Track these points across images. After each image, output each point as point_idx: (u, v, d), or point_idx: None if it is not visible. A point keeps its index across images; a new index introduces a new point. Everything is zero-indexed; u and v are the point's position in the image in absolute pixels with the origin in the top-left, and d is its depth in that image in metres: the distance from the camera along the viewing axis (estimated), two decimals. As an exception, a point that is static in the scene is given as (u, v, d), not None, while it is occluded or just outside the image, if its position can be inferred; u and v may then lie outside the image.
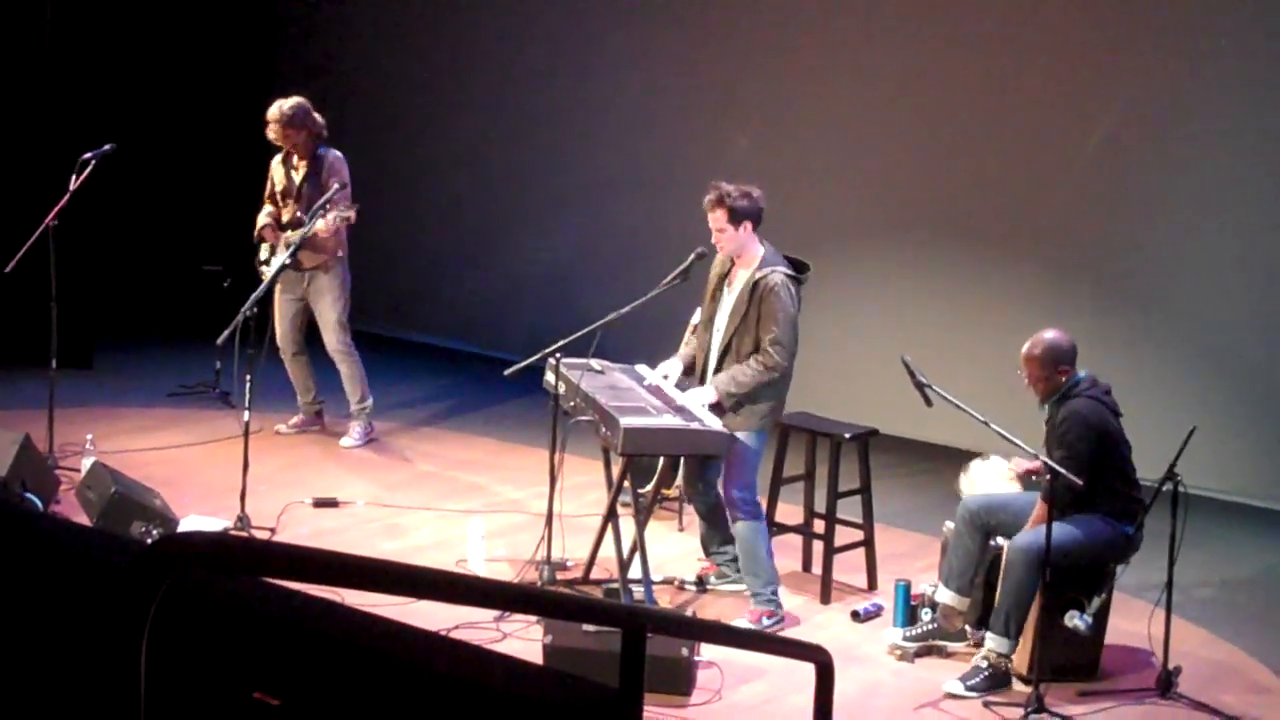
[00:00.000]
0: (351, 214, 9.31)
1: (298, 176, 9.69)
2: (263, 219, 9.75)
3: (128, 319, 12.61)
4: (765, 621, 7.39)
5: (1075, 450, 6.75)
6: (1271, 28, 9.67)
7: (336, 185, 9.29)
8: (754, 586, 7.46)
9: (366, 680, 2.38)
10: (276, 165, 9.79)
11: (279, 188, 9.76)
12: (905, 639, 7.16)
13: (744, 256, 7.41)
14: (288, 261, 9.20)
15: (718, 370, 7.45)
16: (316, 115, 9.64)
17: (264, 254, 9.79)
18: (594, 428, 7.42)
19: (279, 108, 9.58)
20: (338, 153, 9.70)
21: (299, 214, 9.60)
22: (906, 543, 8.73)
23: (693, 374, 7.73)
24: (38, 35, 11.75)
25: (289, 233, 9.63)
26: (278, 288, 9.63)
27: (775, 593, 7.49)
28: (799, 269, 7.45)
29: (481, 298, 13.07)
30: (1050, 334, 7.01)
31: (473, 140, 13.03)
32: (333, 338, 9.81)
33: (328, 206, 9.22)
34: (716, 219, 7.32)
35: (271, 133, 9.58)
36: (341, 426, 10.10)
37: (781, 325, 7.25)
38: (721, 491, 7.52)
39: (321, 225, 9.26)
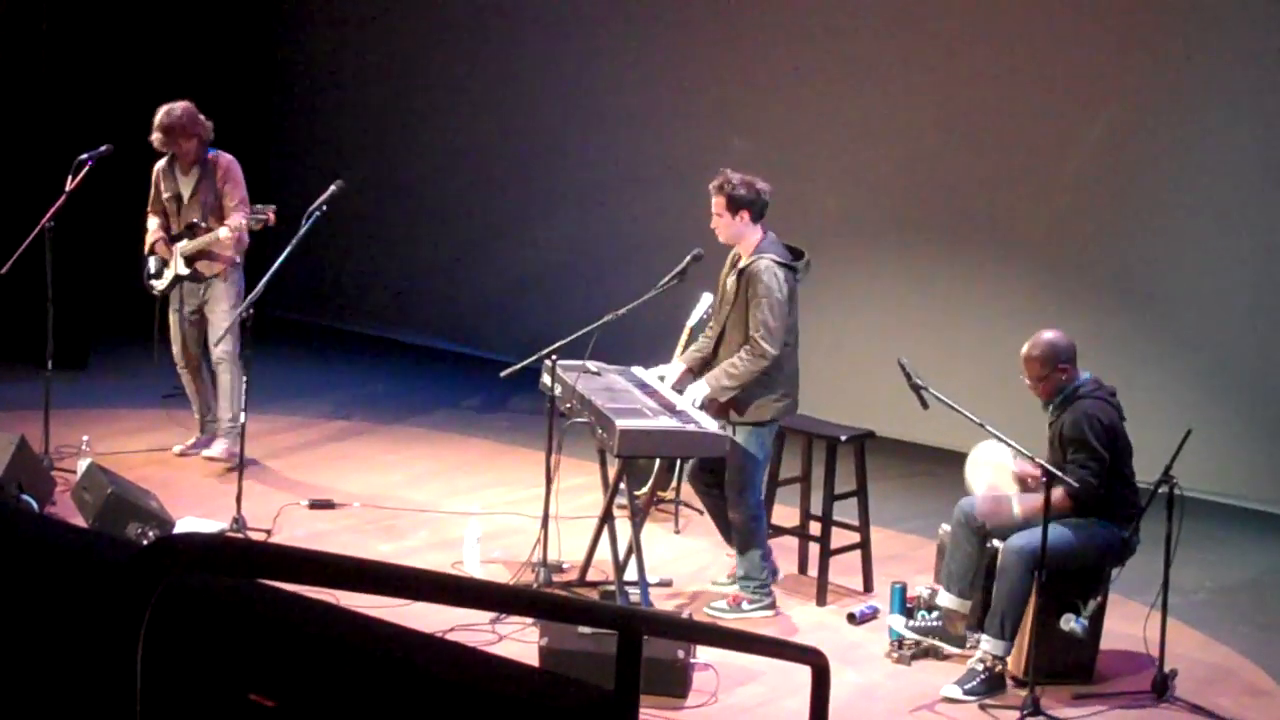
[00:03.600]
0: (269, 215, 9.09)
1: (188, 184, 9.25)
2: (153, 233, 9.31)
3: (123, 320, 12.60)
4: (744, 606, 7.45)
5: (1094, 452, 6.73)
6: (1271, 28, 9.67)
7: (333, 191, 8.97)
8: (738, 575, 7.59)
9: (362, 682, 2.38)
10: (161, 172, 9.32)
11: (165, 195, 9.29)
12: (908, 628, 7.13)
13: (744, 246, 7.47)
14: (185, 272, 9.18)
15: (714, 360, 7.50)
16: (204, 119, 9.20)
17: (153, 266, 9.35)
18: (590, 429, 7.42)
19: (167, 114, 9.12)
20: (230, 156, 9.28)
21: (195, 220, 9.20)
22: (902, 545, 8.73)
23: (697, 374, 7.73)
24: (34, 36, 11.75)
25: (183, 243, 9.22)
26: (173, 302, 9.37)
27: (760, 586, 7.52)
28: (796, 257, 7.48)
29: (478, 299, 13.08)
30: (1048, 334, 7.01)
31: (469, 142, 13.03)
32: (220, 346, 9.27)
33: (239, 213, 9.07)
34: (716, 204, 7.45)
35: (157, 141, 9.12)
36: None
37: (765, 311, 7.29)
38: (726, 486, 7.54)
39: (225, 234, 9.00)
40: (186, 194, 9.28)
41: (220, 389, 9.42)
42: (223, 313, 9.27)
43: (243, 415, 9.36)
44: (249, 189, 9.35)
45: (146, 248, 9.35)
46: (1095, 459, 6.74)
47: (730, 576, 7.86)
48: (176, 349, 9.45)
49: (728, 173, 7.47)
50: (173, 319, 9.43)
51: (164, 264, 9.32)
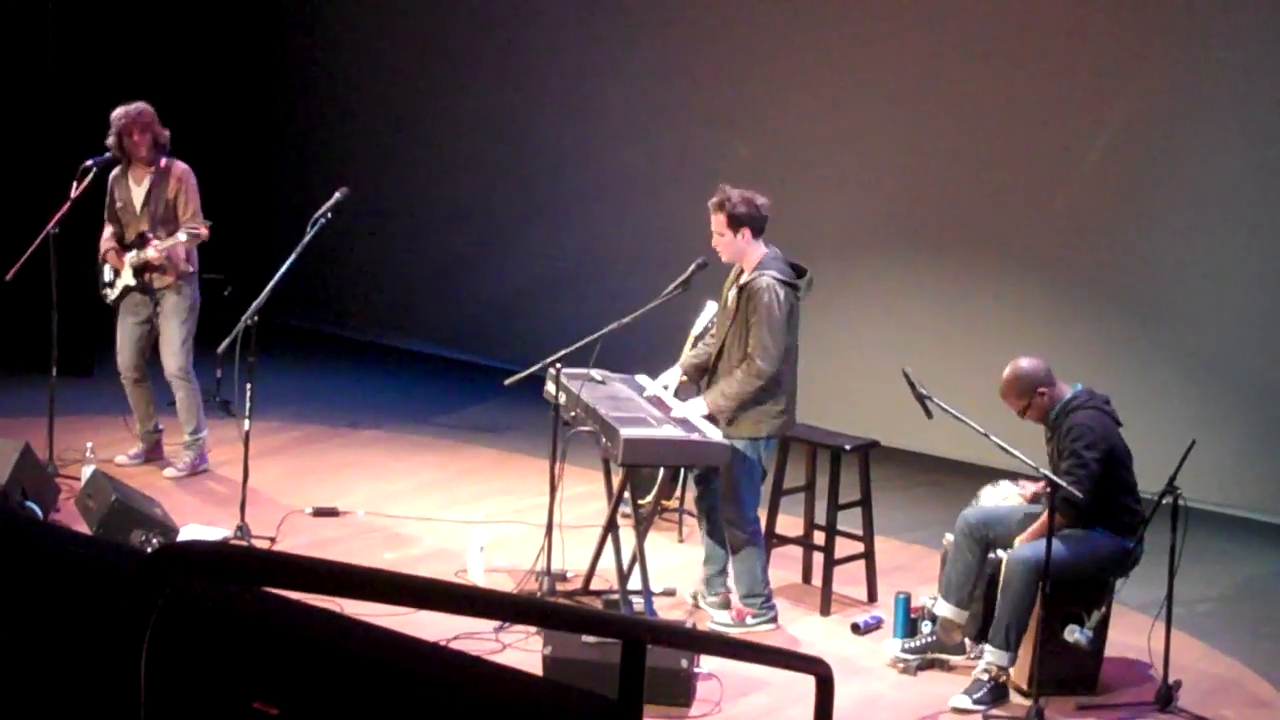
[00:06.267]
0: (203, 230, 8.86)
1: (140, 192, 9.14)
2: (106, 241, 9.20)
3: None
4: (749, 621, 7.45)
5: (1084, 459, 6.73)
6: (1274, 36, 9.66)
7: (339, 196, 8.84)
8: (739, 592, 7.56)
9: (365, 690, 2.38)
10: (114, 180, 9.18)
11: (119, 205, 9.17)
12: (905, 651, 7.15)
13: (746, 261, 7.43)
14: (133, 283, 9.09)
15: (714, 373, 7.48)
16: (159, 125, 9.12)
17: (108, 275, 9.25)
18: (594, 438, 7.42)
19: (125, 111, 9.03)
20: (185, 165, 9.18)
21: (146, 231, 9.08)
22: (907, 555, 8.72)
23: (697, 380, 7.73)
24: (39, 42, 11.76)
25: (132, 253, 9.10)
26: (122, 311, 9.25)
27: (767, 602, 7.52)
28: (798, 274, 7.46)
29: (481, 307, 13.07)
30: (1019, 362, 7.03)
31: (473, 150, 13.03)
32: (174, 361, 9.19)
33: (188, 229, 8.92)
34: (717, 223, 7.38)
35: (117, 138, 9.03)
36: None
37: (764, 329, 7.26)
38: (721, 504, 7.52)
39: (153, 253, 8.91)
40: (138, 203, 9.17)
41: (178, 406, 9.33)
42: (175, 328, 9.19)
43: (205, 430, 9.36)
44: (255, 194, 9.34)
45: (100, 256, 9.24)
46: (1084, 468, 6.74)
47: (697, 594, 7.88)
48: (123, 359, 9.33)
49: (727, 189, 7.40)
50: (120, 329, 9.31)
51: (116, 273, 9.23)
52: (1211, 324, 9.93)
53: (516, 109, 12.76)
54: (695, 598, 7.83)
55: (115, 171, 9.20)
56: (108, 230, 9.28)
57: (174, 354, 9.21)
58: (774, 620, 7.56)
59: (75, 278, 9.42)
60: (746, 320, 7.31)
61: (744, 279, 7.36)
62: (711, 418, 7.37)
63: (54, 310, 8.95)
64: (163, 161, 9.17)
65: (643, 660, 2.78)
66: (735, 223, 7.32)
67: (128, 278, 9.16)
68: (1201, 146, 9.92)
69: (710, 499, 7.66)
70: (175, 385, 9.30)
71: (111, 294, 9.28)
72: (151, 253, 8.98)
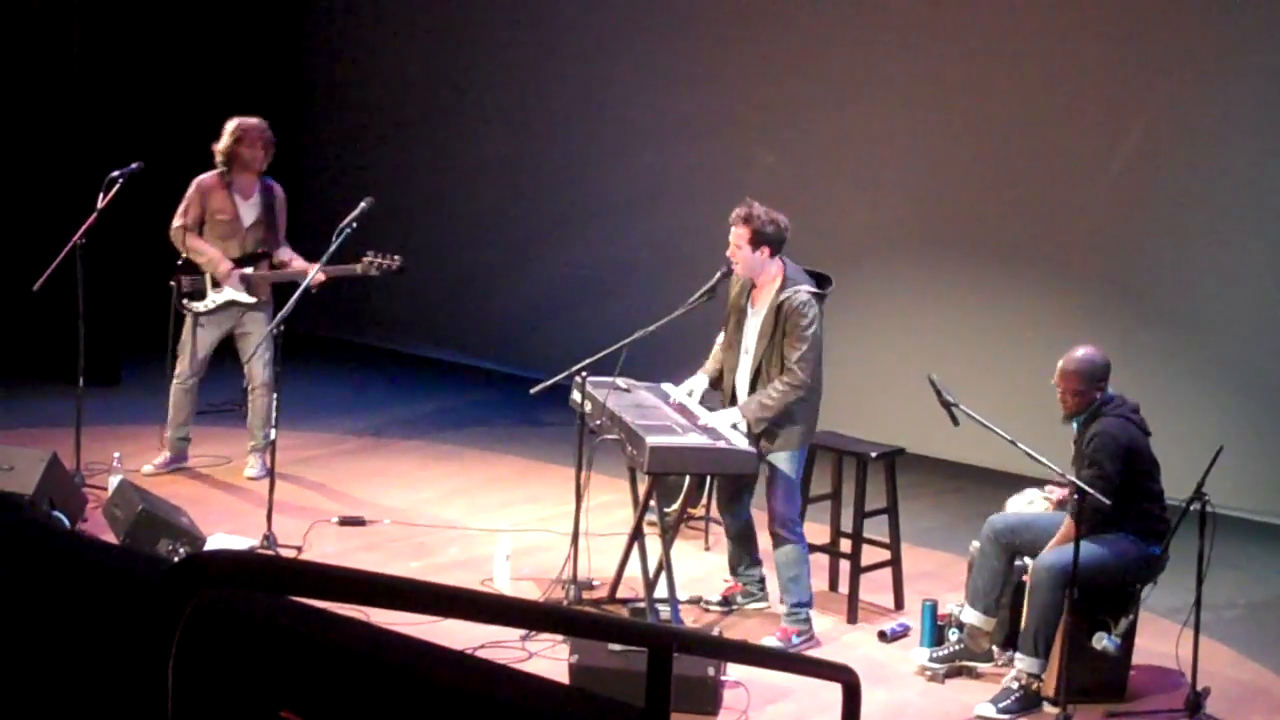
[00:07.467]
0: (396, 261, 9.08)
1: (250, 209, 9.24)
2: (222, 258, 9.16)
3: (155, 337, 12.64)
4: (795, 640, 7.41)
5: (1105, 470, 6.73)
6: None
7: (364, 204, 8.73)
8: (789, 603, 7.47)
9: (392, 699, 2.38)
10: (212, 190, 9.24)
11: (220, 216, 9.22)
12: (932, 660, 7.14)
13: (762, 277, 7.43)
14: (250, 300, 9.20)
15: (750, 394, 7.46)
16: None
17: (189, 285, 9.24)
18: (620, 446, 7.41)
19: (254, 123, 9.23)
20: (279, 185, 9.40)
21: (259, 250, 9.21)
22: (933, 562, 8.70)
23: (718, 388, 7.72)
24: (66, 54, 11.81)
25: (254, 270, 9.21)
26: (208, 322, 9.29)
27: (808, 615, 7.49)
28: (821, 283, 7.46)
29: (507, 316, 13.09)
30: (1087, 349, 6.99)
31: (497, 159, 13.05)
32: (267, 371, 9.28)
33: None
34: (738, 235, 7.35)
35: (235, 145, 9.16)
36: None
37: (805, 342, 7.26)
38: (769, 516, 7.48)
39: (321, 275, 8.81)
40: (249, 219, 9.25)
41: (261, 410, 9.39)
42: (269, 341, 9.27)
43: (273, 431, 9.43)
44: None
45: (222, 269, 9.17)
46: (1103, 477, 6.72)
47: (726, 596, 7.87)
48: (195, 364, 9.38)
49: (754, 205, 7.39)
50: (201, 337, 9.35)
51: (212, 286, 9.25)
52: (1240, 330, 9.89)
53: (541, 118, 12.78)
54: (727, 600, 7.84)
55: (209, 180, 9.25)
56: (203, 243, 9.23)
57: (267, 364, 9.30)
58: (812, 638, 7.50)
59: (102, 288, 9.45)
60: (784, 336, 7.30)
61: (781, 297, 7.33)
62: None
63: (80, 321, 8.97)
64: (267, 181, 9.33)
65: (669, 668, 2.77)
66: (759, 240, 7.32)
67: (239, 294, 9.22)
68: (1228, 152, 9.89)
69: (740, 511, 7.68)
70: (263, 393, 9.36)
71: (201, 305, 9.29)
72: (321, 275, 8.83)
